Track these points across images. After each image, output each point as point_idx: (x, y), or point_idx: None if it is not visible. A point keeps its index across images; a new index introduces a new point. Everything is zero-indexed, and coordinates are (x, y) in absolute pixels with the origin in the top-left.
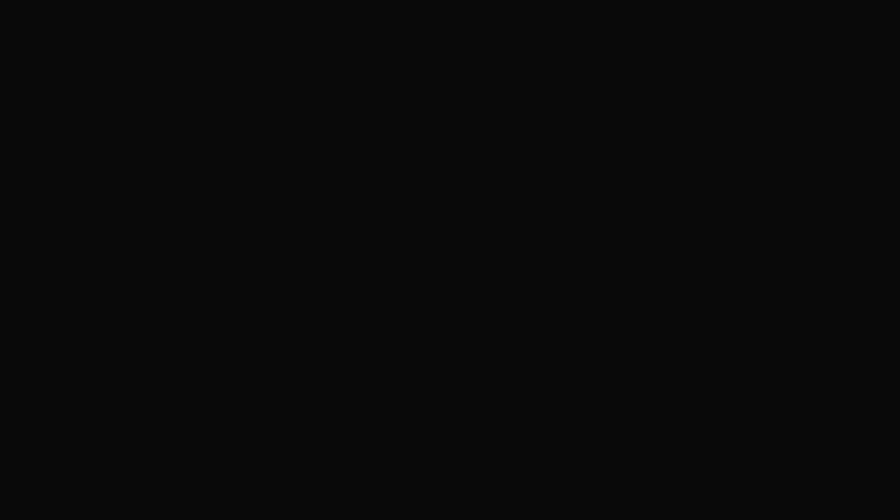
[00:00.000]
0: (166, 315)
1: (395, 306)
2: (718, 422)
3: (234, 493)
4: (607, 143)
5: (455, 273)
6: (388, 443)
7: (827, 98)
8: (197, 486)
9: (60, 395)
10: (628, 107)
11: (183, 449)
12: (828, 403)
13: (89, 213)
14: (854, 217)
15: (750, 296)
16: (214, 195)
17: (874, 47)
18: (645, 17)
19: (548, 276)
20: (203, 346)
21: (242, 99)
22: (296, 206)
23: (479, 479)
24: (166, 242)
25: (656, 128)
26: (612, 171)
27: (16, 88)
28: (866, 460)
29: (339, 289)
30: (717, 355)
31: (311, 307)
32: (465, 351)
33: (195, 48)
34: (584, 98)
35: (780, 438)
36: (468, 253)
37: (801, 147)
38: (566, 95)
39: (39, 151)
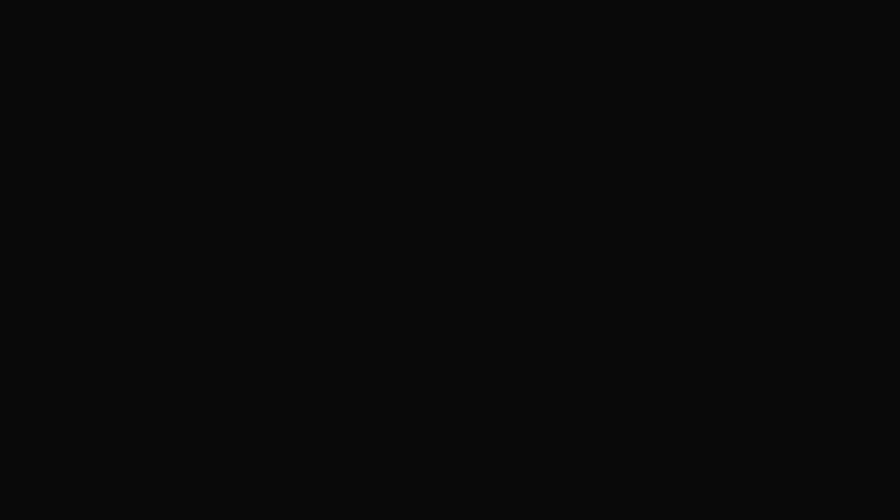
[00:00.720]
0: (166, 315)
1: (395, 306)
2: (718, 422)
3: (234, 493)
4: (607, 144)
5: (455, 273)
6: (388, 443)
7: (827, 98)
8: (197, 486)
9: (60, 395)
10: (628, 107)
11: (183, 449)
12: (828, 403)
13: (89, 214)
14: (854, 217)
15: (750, 296)
16: (214, 195)
17: (874, 47)
18: (645, 17)
19: (548, 276)
20: (203, 346)
21: (243, 99)
22: (296, 207)
23: (479, 480)
24: (166, 242)
25: (656, 128)
26: (612, 171)
27: (16, 88)
28: (866, 460)
29: (340, 289)
30: (718, 355)
31: (311, 307)
32: (465, 351)
33: (195, 48)
34: (584, 98)
35: (780, 438)
36: (468, 253)
37: (802, 147)
38: (566, 95)
39: (39, 151)
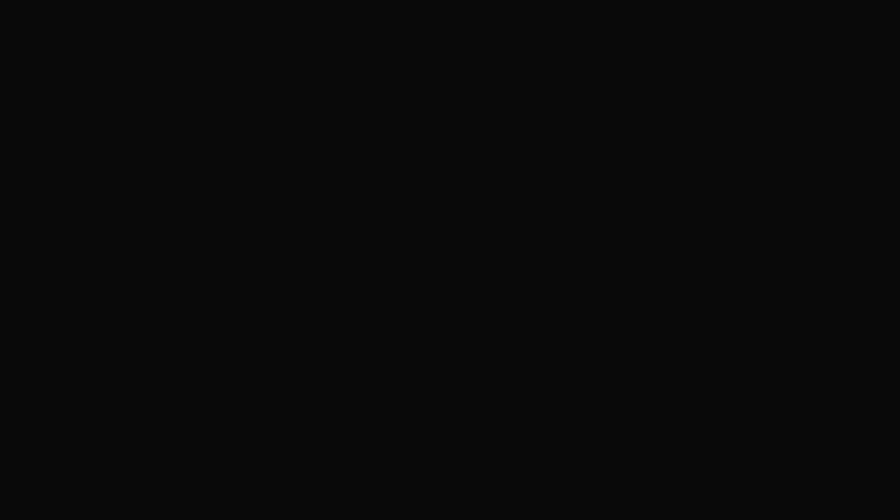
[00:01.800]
0: (166, 315)
1: (395, 306)
2: (718, 422)
3: (234, 493)
4: (607, 144)
5: (455, 273)
6: (388, 443)
7: (827, 98)
8: (197, 486)
9: (60, 395)
10: (628, 107)
11: (183, 449)
12: (828, 403)
13: (89, 214)
14: (854, 217)
15: (750, 296)
16: (214, 195)
17: (874, 47)
18: (645, 17)
19: (548, 277)
20: (203, 346)
21: (242, 99)
22: (296, 207)
23: (479, 480)
24: (166, 243)
25: (656, 128)
26: (612, 171)
27: (16, 88)
28: (866, 460)
29: (340, 289)
30: (718, 355)
31: (311, 307)
32: (465, 351)
33: (195, 48)
34: (584, 98)
35: (780, 438)
36: (468, 253)
37: (802, 147)
38: (566, 95)
39: (39, 151)
